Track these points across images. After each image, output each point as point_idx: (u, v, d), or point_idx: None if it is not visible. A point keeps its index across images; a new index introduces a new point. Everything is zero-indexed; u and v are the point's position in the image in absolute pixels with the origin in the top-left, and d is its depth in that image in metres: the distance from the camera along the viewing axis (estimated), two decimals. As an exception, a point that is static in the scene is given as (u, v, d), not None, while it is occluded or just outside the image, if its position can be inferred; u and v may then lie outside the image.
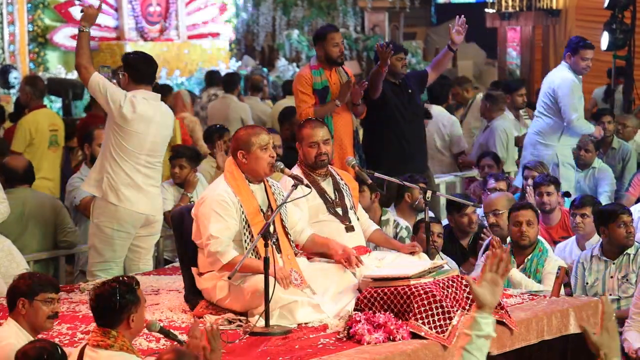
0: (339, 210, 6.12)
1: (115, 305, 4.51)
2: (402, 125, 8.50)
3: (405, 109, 8.53)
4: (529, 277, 6.44)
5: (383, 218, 7.34)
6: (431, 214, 7.76)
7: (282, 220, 5.69)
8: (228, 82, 12.76)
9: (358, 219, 6.25)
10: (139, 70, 6.83)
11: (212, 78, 13.95)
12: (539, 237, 6.71)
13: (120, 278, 4.66)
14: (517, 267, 6.53)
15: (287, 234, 5.72)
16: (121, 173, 6.74)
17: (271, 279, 5.16)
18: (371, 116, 8.51)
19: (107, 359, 4.44)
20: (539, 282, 6.43)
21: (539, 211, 7.35)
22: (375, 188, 7.09)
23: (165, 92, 11.31)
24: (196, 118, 11.66)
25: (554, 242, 7.58)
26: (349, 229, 6.15)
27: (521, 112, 11.22)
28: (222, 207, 5.51)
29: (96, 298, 4.58)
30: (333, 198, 6.15)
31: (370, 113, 8.48)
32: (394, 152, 8.42)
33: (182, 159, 8.25)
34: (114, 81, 6.94)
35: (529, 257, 6.55)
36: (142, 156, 6.80)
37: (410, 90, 8.59)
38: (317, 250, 5.86)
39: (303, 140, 6.18)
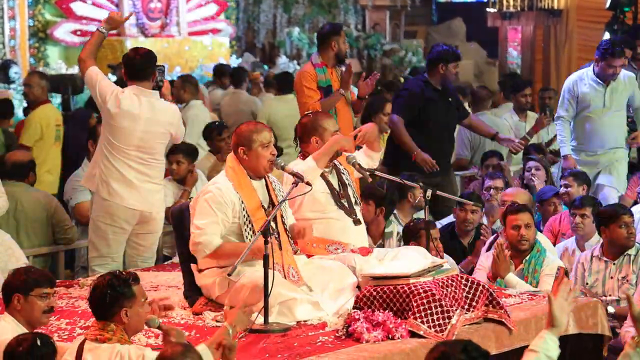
0: (345, 203, 6.12)
1: (106, 298, 4.51)
2: (435, 130, 8.54)
3: (444, 115, 8.55)
4: (527, 278, 6.41)
5: (387, 230, 7.29)
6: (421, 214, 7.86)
7: (282, 216, 5.69)
8: (236, 77, 12.83)
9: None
10: (131, 66, 6.87)
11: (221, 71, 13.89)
12: (537, 238, 6.70)
13: (117, 272, 4.67)
14: (515, 268, 6.51)
15: (286, 230, 5.71)
16: (112, 168, 6.79)
17: (270, 276, 5.16)
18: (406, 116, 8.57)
19: (106, 350, 4.45)
20: (537, 283, 6.41)
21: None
22: (376, 187, 7.08)
23: None
24: (212, 113, 11.69)
25: None
26: (357, 222, 6.17)
27: (529, 113, 11.03)
28: (216, 200, 5.52)
29: (92, 290, 4.60)
30: (338, 190, 6.15)
31: (405, 113, 8.53)
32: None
33: (179, 154, 8.23)
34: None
35: (527, 258, 6.52)
36: (132, 152, 6.81)
37: (450, 99, 8.65)
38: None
39: (325, 130, 6.13)
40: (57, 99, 14.18)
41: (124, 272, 4.67)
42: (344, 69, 8.27)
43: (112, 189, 6.79)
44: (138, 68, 6.87)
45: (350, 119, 8.25)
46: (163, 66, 7.16)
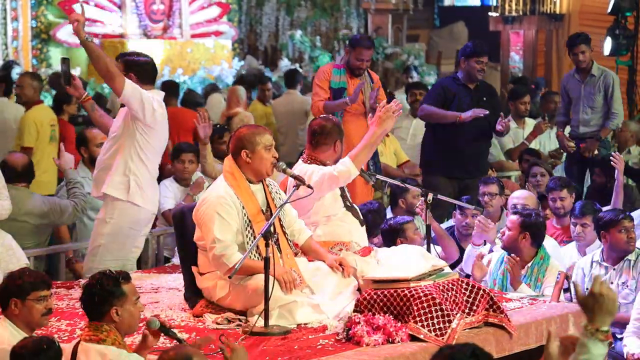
0: (349, 204, 6.16)
1: (95, 297, 4.50)
2: (464, 127, 8.48)
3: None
4: (530, 286, 6.42)
5: None
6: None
7: (280, 219, 5.68)
8: (290, 78, 13.14)
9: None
10: (146, 70, 6.67)
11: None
12: (544, 244, 6.66)
13: (108, 271, 4.64)
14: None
15: (284, 233, 5.71)
16: (146, 173, 6.65)
17: (271, 279, 5.16)
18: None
19: (98, 352, 4.45)
20: (541, 292, 6.41)
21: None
22: (379, 188, 7.12)
23: (174, 90, 11.37)
24: (250, 114, 11.79)
25: (564, 242, 7.72)
26: (361, 223, 6.23)
27: (527, 119, 10.95)
28: (224, 209, 5.48)
29: (83, 290, 4.60)
30: (342, 191, 6.20)
31: (431, 101, 8.58)
32: (449, 157, 8.46)
33: (191, 154, 8.33)
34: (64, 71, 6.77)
35: (530, 264, 6.51)
36: (159, 156, 6.78)
37: (485, 98, 8.63)
38: (312, 256, 5.85)
39: (344, 136, 6.25)
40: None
41: (114, 272, 4.64)
42: (367, 75, 8.35)
43: (146, 195, 6.65)
44: (153, 71, 6.81)
45: (365, 127, 8.26)
46: (68, 58, 7.01)
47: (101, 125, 7.03)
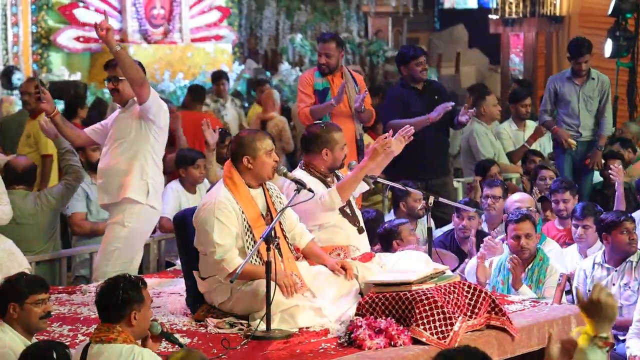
0: (348, 210, 6.12)
1: (118, 300, 4.53)
2: (422, 131, 8.34)
3: (427, 112, 8.55)
4: (531, 287, 6.42)
5: None
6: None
7: (280, 223, 5.67)
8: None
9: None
10: (145, 73, 6.81)
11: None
12: (541, 245, 6.69)
13: (127, 275, 4.69)
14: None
15: (286, 237, 5.70)
16: (159, 176, 6.73)
17: (272, 283, 5.16)
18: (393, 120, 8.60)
19: (110, 351, 4.47)
20: (542, 293, 6.42)
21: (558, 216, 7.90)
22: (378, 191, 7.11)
23: (201, 94, 11.35)
24: (285, 119, 11.80)
25: (566, 244, 7.73)
26: (360, 230, 6.17)
27: (528, 122, 10.91)
28: (223, 214, 5.48)
29: (101, 292, 4.61)
30: None
31: (392, 118, 8.58)
32: (412, 158, 8.41)
33: (204, 159, 8.35)
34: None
35: (530, 266, 6.52)
36: None
37: (436, 97, 8.71)
38: (313, 260, 5.84)
39: (337, 144, 6.09)
40: (60, 105, 14.20)
41: (132, 276, 4.69)
42: (350, 76, 8.35)
43: (159, 198, 6.74)
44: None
45: (352, 128, 8.27)
46: (37, 72, 7.03)
47: (72, 137, 7.03)
